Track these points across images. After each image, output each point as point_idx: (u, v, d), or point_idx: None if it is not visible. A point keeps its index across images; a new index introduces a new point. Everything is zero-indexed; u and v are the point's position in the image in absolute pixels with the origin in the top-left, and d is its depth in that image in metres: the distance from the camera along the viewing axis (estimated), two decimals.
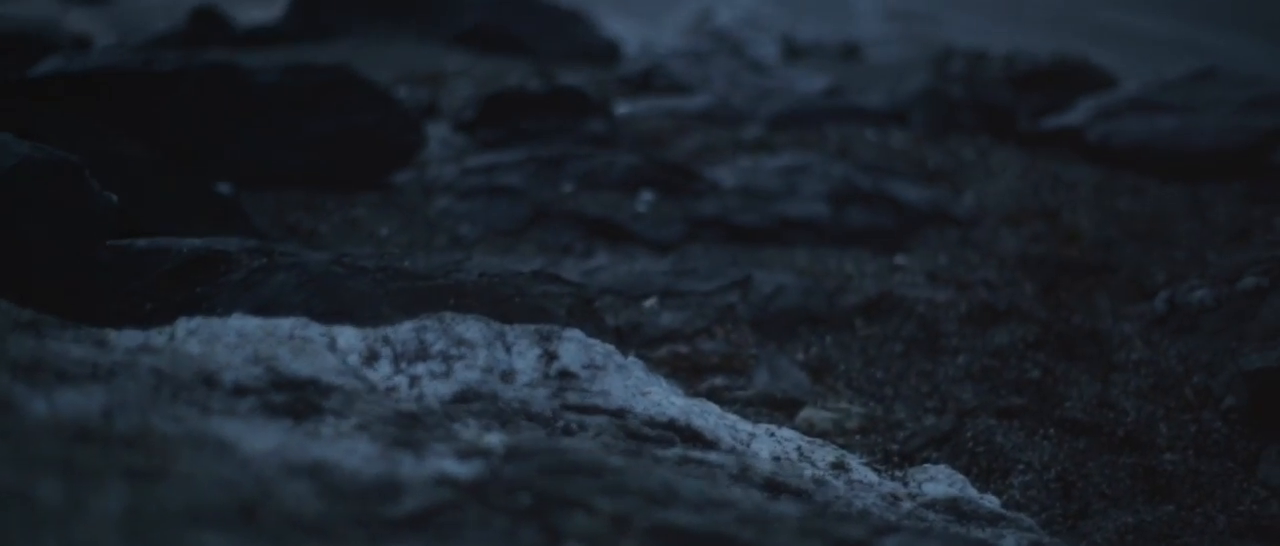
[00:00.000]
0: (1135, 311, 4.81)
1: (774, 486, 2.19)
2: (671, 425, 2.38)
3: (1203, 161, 6.70)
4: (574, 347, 2.46)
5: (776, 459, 2.37)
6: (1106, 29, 13.73)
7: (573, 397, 2.39)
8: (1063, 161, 6.78)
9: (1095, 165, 6.75)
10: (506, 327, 2.47)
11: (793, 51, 11.29)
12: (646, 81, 8.56)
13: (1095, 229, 5.77)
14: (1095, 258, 5.40)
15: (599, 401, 2.40)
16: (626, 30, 12.38)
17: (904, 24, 12.99)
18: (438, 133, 6.40)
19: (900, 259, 5.16)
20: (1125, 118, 7.08)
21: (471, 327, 2.45)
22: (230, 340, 2.26)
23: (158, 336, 2.25)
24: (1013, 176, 6.46)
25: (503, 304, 3.10)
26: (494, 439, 1.90)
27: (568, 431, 2.30)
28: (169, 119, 5.21)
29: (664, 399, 2.46)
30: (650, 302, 4.23)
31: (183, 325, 2.29)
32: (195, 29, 10.87)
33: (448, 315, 2.47)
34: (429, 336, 2.43)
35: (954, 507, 2.39)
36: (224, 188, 5.11)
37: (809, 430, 3.45)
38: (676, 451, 2.29)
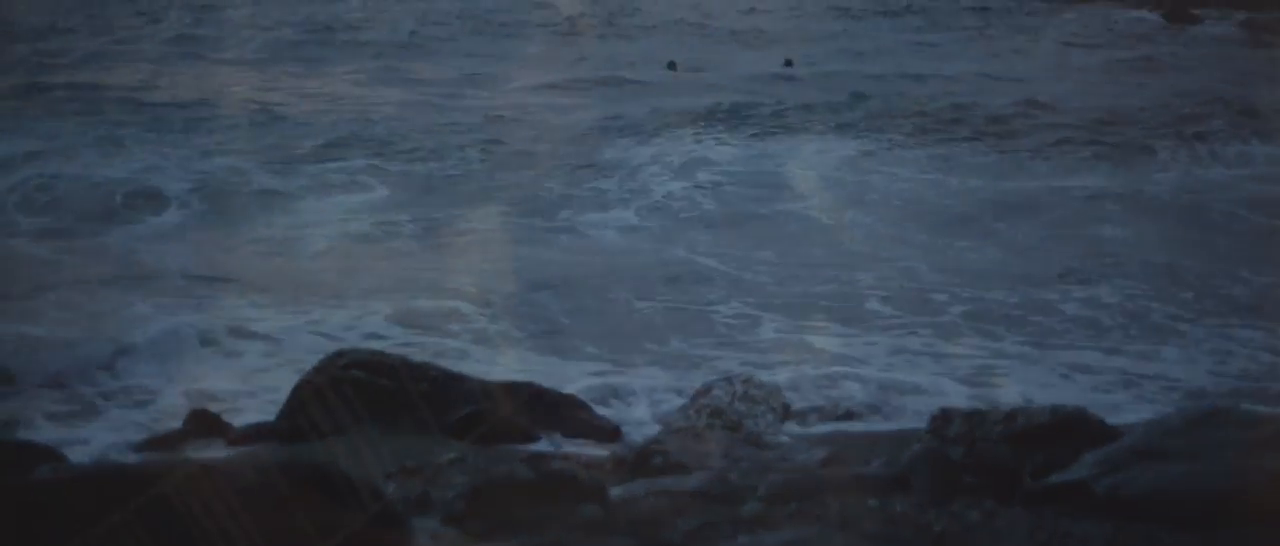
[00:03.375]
0: None
1: None
2: None
3: (1215, 508, 6.52)
4: None
5: None
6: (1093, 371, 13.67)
7: None
8: (1071, 517, 6.59)
9: (1104, 519, 6.56)
10: None
11: (789, 421, 11.22)
12: (643, 462, 8.43)
13: None
14: None
15: None
16: (623, 412, 12.34)
17: (897, 391, 12.98)
18: (427, 526, 6.25)
19: None
20: (1131, 468, 6.94)
21: None
22: None
23: None
24: (1021, 538, 6.27)
25: None
26: None
27: None
28: (146, 522, 5.12)
29: None
30: None
31: None
32: (191, 429, 10.88)
33: None
34: None
35: None
36: None
37: None
38: None
